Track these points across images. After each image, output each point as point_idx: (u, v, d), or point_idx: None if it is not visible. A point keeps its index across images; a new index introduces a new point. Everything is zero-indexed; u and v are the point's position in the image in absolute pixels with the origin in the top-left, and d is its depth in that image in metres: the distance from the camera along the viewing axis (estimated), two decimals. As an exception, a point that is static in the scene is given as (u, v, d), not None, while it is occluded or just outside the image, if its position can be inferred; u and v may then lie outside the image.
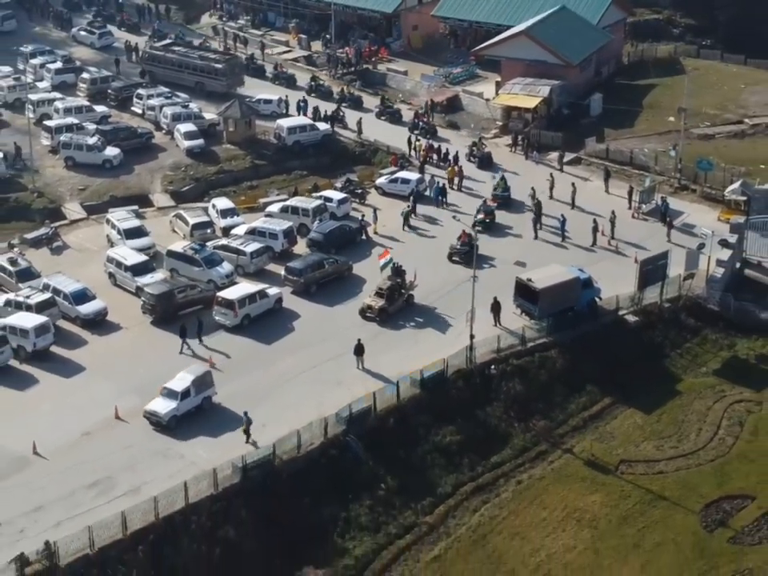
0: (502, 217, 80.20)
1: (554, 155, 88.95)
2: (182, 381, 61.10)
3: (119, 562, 52.18)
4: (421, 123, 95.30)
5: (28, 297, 68.49)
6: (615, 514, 57.51)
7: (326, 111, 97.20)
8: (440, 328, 68.31)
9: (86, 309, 69.23)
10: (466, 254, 73.55)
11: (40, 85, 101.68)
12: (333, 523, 56.31)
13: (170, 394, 60.68)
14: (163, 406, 60.21)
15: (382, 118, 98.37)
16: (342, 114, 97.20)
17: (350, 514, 56.81)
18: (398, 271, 70.78)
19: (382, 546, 55.86)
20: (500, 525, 57.26)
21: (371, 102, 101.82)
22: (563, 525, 57.04)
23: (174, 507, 54.09)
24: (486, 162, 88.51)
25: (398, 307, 69.34)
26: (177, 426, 59.48)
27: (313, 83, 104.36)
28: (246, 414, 59.04)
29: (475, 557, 55.46)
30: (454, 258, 75.02)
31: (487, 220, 78.27)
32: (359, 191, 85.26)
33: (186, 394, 60.54)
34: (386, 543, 56.05)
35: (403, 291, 70.13)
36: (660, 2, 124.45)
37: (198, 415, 60.47)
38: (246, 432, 58.90)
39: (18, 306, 68.09)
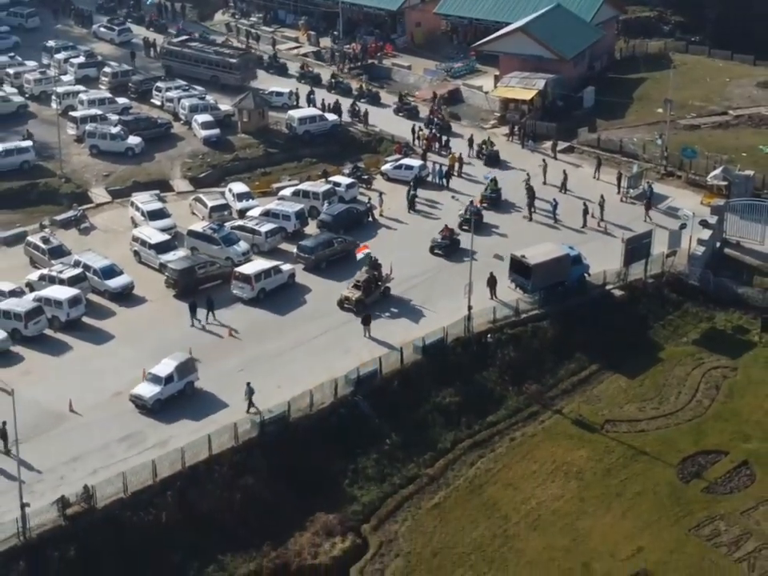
0: (490, 217, 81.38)
1: (548, 144, 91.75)
2: (165, 366, 62.71)
3: (150, 504, 55.87)
4: (436, 119, 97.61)
5: (61, 272, 71.76)
6: (600, 467, 61.03)
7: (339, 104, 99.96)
8: (438, 303, 71.09)
9: (114, 283, 72.48)
10: (446, 248, 76.39)
11: (64, 78, 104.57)
12: (342, 474, 59.75)
13: (154, 379, 62.32)
14: (148, 390, 61.94)
15: (400, 114, 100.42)
16: (357, 108, 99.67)
17: (358, 466, 60.22)
18: (374, 264, 72.49)
19: (387, 494, 59.31)
20: (495, 476, 60.71)
21: (388, 98, 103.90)
22: (552, 476, 60.59)
23: (199, 457, 57.64)
24: (493, 160, 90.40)
25: (375, 298, 71.14)
26: (160, 409, 61.59)
27: (333, 80, 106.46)
28: (248, 384, 61.50)
29: (472, 504, 58.92)
30: (435, 251, 76.99)
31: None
32: (366, 177, 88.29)
33: (169, 379, 62.17)
34: (390, 492, 59.44)
35: (380, 283, 71.97)
36: (651, 0, 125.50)
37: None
38: (249, 401, 61.46)
39: (52, 281, 71.28)
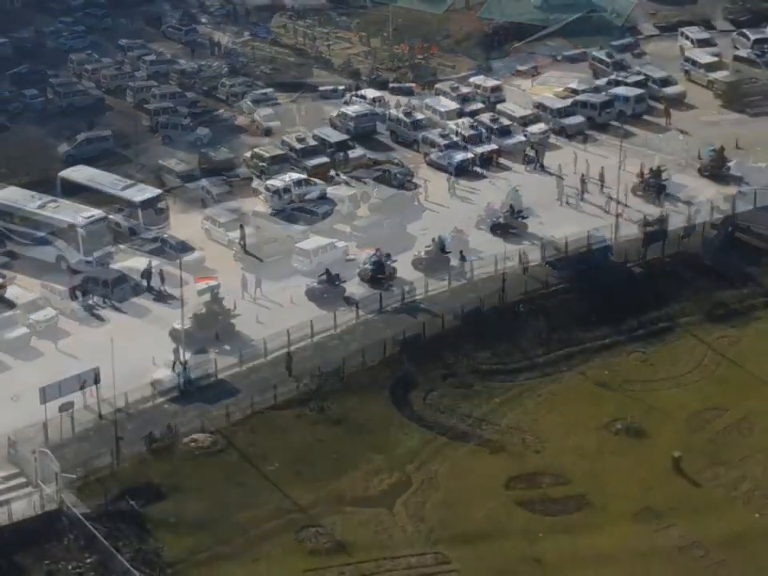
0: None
1: (580, 138, 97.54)
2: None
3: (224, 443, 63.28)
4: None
5: (141, 246, 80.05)
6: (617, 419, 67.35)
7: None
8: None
9: (189, 257, 78.67)
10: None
11: (137, 74, 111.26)
12: (390, 422, 66.14)
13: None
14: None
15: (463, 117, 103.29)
16: (412, 106, 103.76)
17: (404, 415, 66.68)
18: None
19: (428, 440, 64.54)
20: (524, 427, 67.14)
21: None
22: (574, 428, 66.90)
23: (266, 404, 64.79)
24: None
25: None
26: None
27: (396, 84, 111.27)
28: (288, 353, 67.83)
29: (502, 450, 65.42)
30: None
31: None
32: (412, 166, 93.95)
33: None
34: (431, 438, 64.72)
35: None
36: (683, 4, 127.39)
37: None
38: (288, 368, 67.14)
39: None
